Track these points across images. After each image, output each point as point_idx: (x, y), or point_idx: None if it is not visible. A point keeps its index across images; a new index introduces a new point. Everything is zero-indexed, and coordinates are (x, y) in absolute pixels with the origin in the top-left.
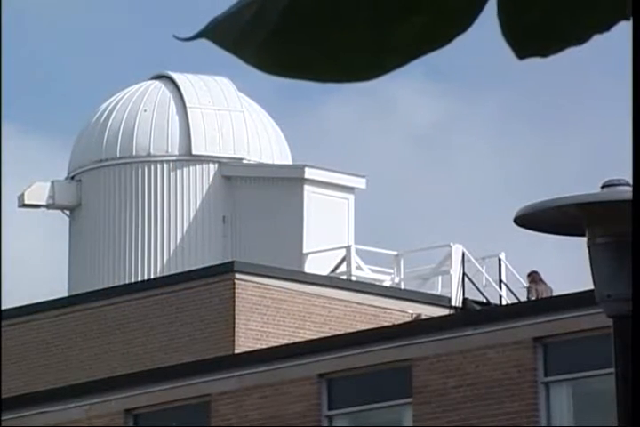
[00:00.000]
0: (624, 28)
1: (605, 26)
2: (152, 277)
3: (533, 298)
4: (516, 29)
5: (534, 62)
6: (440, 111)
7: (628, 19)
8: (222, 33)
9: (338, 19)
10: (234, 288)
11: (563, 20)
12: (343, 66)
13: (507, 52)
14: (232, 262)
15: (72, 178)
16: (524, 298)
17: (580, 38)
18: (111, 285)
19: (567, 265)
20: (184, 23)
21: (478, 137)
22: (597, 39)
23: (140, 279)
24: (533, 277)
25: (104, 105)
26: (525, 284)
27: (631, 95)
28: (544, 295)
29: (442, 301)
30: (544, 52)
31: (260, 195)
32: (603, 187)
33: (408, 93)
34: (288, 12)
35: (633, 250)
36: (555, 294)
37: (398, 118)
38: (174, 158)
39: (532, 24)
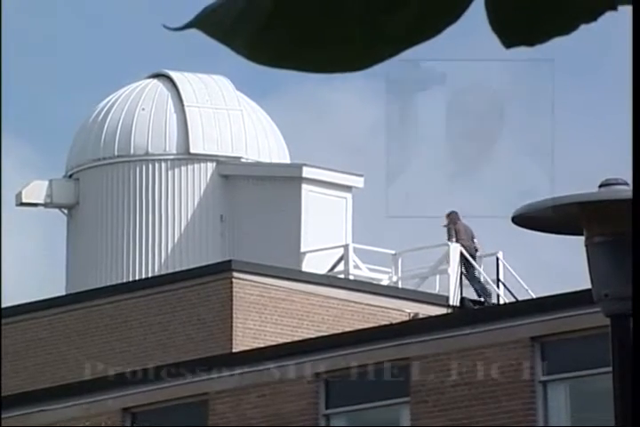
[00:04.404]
0: (610, 19)
1: (592, 16)
2: (150, 275)
3: (454, 239)
4: (502, 18)
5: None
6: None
7: (614, 9)
8: (213, 23)
9: (329, 10)
10: (231, 287)
11: (549, 10)
12: (334, 56)
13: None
14: (230, 261)
15: (70, 176)
16: (522, 297)
17: (567, 28)
18: (109, 283)
19: (565, 264)
20: (182, 21)
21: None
22: (584, 29)
23: (137, 278)
24: (452, 218)
25: (102, 104)
26: (524, 284)
27: (631, 96)
28: (462, 235)
29: (439, 300)
30: (531, 42)
31: (258, 194)
32: (600, 186)
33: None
34: (280, 2)
35: (633, 249)
36: (553, 293)
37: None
38: (172, 157)
39: (518, 13)
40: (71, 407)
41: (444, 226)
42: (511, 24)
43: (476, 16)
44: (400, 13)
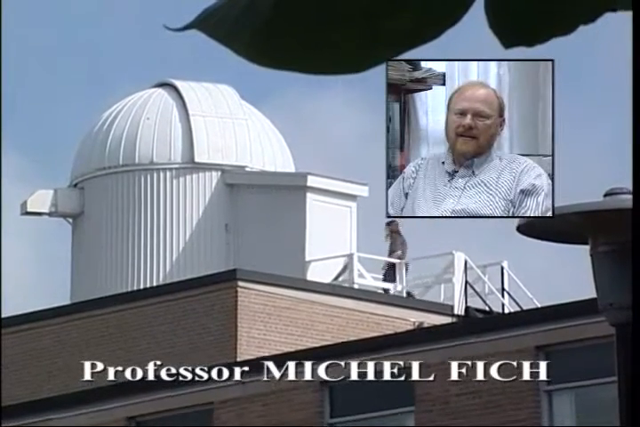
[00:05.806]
0: (609, 20)
1: (591, 17)
2: (155, 284)
3: (399, 251)
4: (502, 19)
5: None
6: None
7: (613, 10)
8: (214, 24)
9: (328, 12)
10: (236, 296)
11: (549, 11)
12: (333, 58)
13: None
14: (234, 270)
15: (75, 186)
16: (526, 306)
17: (566, 29)
18: (113, 292)
19: (570, 273)
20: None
21: None
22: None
23: (142, 287)
24: (392, 228)
25: (107, 113)
26: (529, 293)
27: (632, 97)
28: (404, 247)
29: (444, 309)
30: (530, 42)
31: (263, 203)
32: (605, 195)
33: None
34: (280, 4)
35: (633, 258)
36: (558, 302)
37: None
38: (177, 166)
39: (518, 14)
40: (76, 416)
41: (386, 236)
42: (511, 24)
43: (475, 16)
44: (399, 17)
